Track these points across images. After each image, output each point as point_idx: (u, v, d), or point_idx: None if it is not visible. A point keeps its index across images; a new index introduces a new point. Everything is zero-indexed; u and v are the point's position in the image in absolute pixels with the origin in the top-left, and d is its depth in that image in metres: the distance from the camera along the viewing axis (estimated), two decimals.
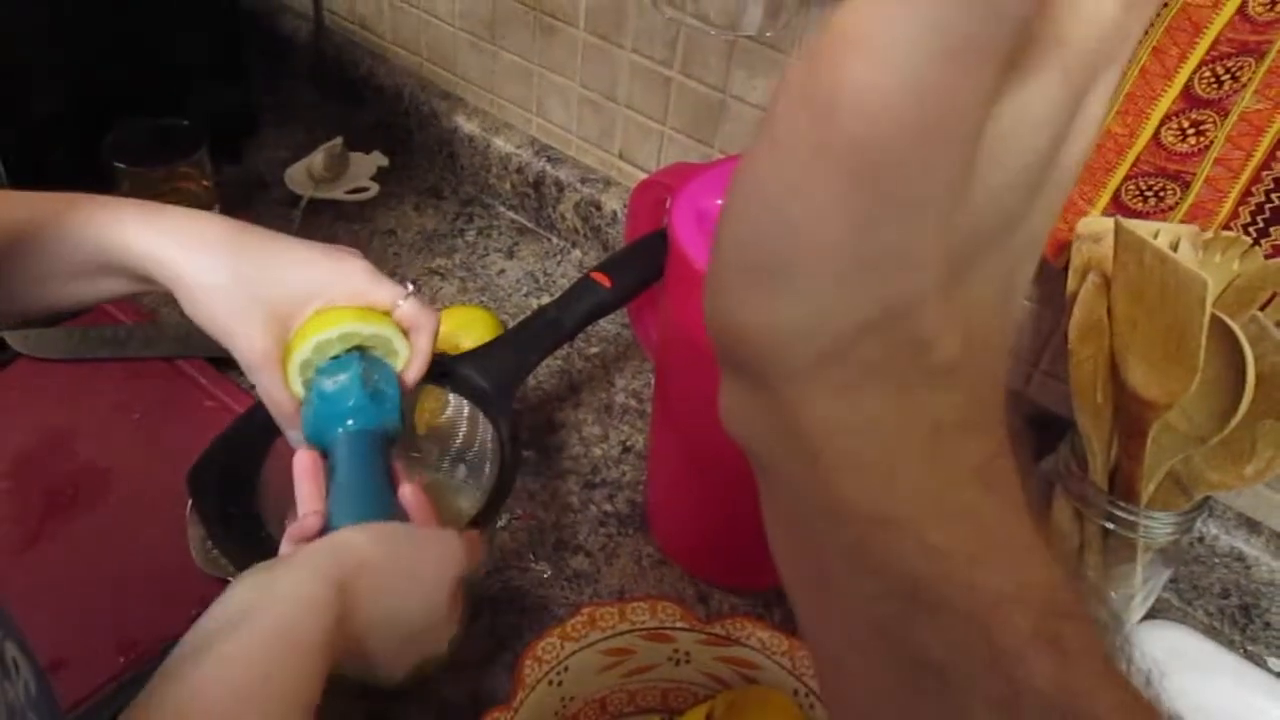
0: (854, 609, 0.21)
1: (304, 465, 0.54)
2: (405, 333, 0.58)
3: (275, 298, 0.55)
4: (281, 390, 0.55)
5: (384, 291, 0.58)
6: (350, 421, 0.54)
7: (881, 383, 0.19)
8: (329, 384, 0.55)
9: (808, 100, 0.17)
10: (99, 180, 0.88)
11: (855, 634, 0.22)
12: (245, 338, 0.55)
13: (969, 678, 0.20)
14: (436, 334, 0.59)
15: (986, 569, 0.20)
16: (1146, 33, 0.56)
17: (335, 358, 0.56)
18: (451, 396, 0.61)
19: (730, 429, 0.22)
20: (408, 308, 0.58)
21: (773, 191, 0.18)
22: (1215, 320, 0.50)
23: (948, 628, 0.20)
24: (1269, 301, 0.57)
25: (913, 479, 0.20)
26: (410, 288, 0.59)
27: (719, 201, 0.59)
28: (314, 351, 0.55)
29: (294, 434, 0.56)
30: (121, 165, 0.87)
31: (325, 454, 0.55)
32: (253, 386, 0.57)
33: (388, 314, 0.58)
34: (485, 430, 0.60)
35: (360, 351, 0.57)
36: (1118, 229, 0.53)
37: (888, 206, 0.17)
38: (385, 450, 0.55)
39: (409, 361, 0.59)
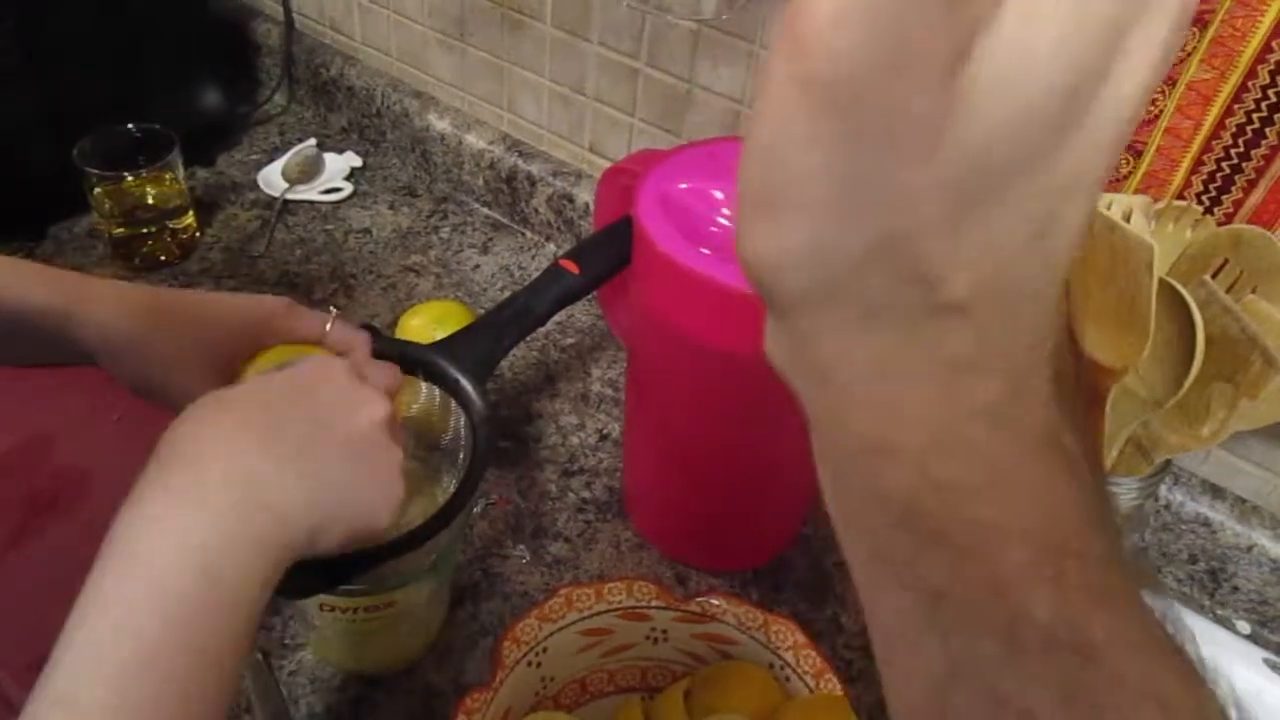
0: (868, 539, 0.22)
1: None
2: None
3: (204, 347, 0.55)
4: None
5: (308, 322, 0.58)
6: None
7: (888, 319, 0.20)
8: None
9: (787, 36, 0.18)
10: (71, 186, 0.88)
11: (872, 563, 0.23)
12: (182, 394, 0.51)
13: (972, 607, 0.20)
14: (369, 348, 0.59)
15: (987, 503, 0.20)
16: None
17: None
18: (424, 386, 0.62)
19: (771, 363, 0.23)
20: (335, 332, 0.58)
21: (765, 126, 0.19)
22: (1165, 286, 0.51)
23: (950, 558, 0.20)
24: (1221, 268, 0.58)
25: (918, 413, 0.21)
26: (334, 311, 0.59)
27: (683, 186, 0.60)
28: None
29: None
30: (94, 171, 0.87)
31: None
32: None
33: (317, 345, 0.58)
34: (459, 417, 0.61)
35: None
36: None
37: (864, 136, 0.18)
38: None
39: None
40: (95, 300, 0.53)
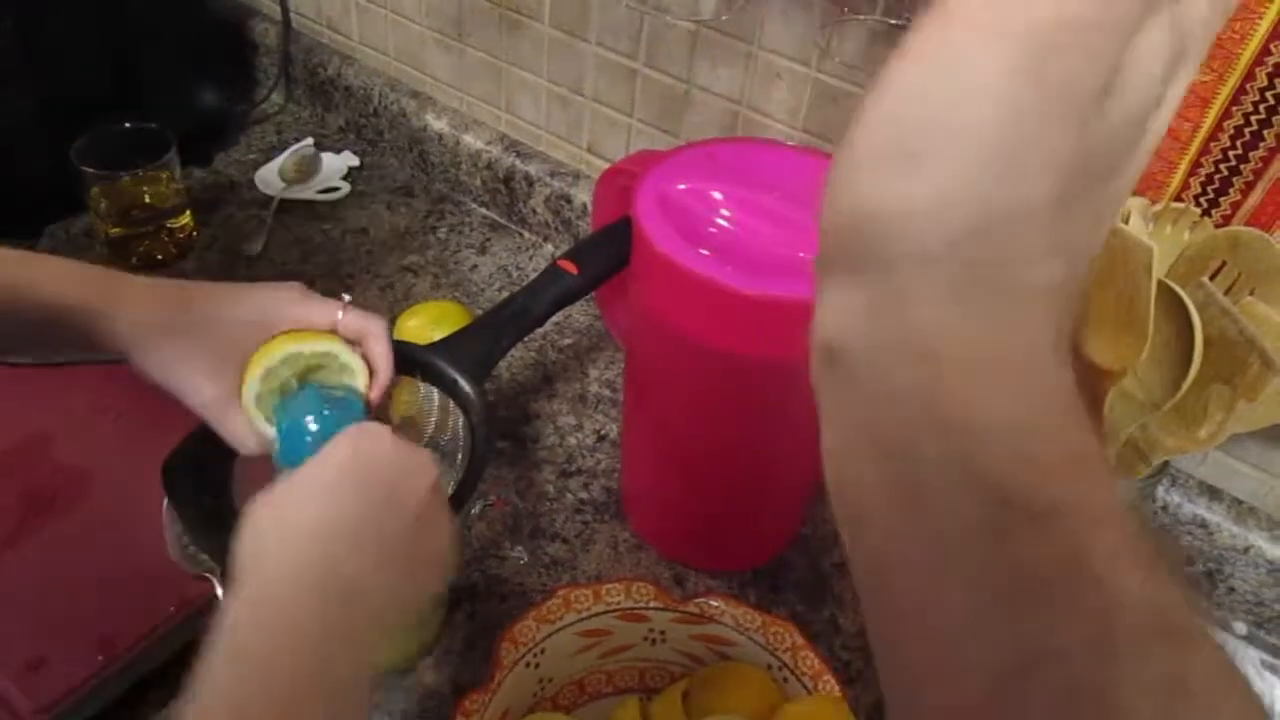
0: (949, 524, 0.21)
1: None
2: (352, 346, 0.58)
3: (215, 340, 0.55)
4: (242, 431, 0.55)
5: (319, 310, 0.58)
6: (314, 435, 0.53)
7: (990, 290, 0.20)
8: (285, 425, 0.54)
9: None
10: (68, 185, 0.88)
11: (946, 552, 0.21)
12: (194, 390, 0.54)
13: (1067, 591, 0.20)
14: (388, 337, 0.59)
15: (1082, 485, 0.20)
16: None
17: (287, 396, 0.56)
18: (422, 386, 0.62)
19: (830, 335, 0.22)
20: (349, 320, 0.58)
21: (938, 72, 0.19)
22: (1164, 288, 0.52)
23: (1048, 541, 0.20)
24: (1219, 270, 0.58)
25: (1019, 392, 0.21)
26: (347, 299, 0.59)
27: (681, 186, 0.60)
28: (263, 383, 0.55)
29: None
30: (91, 170, 0.87)
31: None
32: None
33: (331, 331, 0.58)
34: (457, 418, 0.61)
35: (313, 382, 0.57)
36: None
37: (1041, 95, 0.19)
38: None
39: (372, 373, 0.58)
40: (127, 297, 0.54)
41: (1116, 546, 0.20)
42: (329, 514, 0.45)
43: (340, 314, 0.58)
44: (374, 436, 0.50)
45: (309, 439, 0.53)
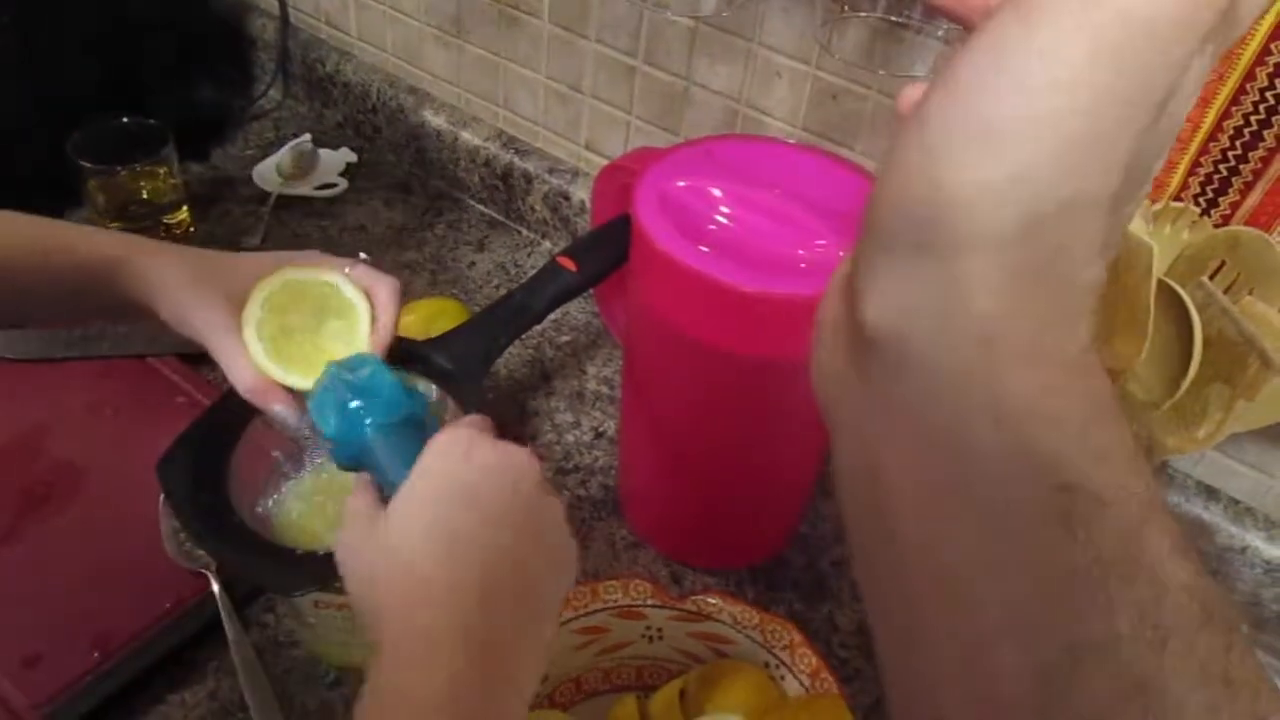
0: (1005, 515, 0.21)
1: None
2: (358, 287, 0.59)
3: (234, 289, 0.57)
4: (236, 350, 0.56)
5: (329, 262, 0.60)
6: (372, 419, 0.49)
7: (1050, 281, 0.20)
8: (329, 422, 0.51)
9: None
10: (66, 179, 0.88)
11: (997, 543, 0.21)
12: (206, 324, 0.56)
13: (1121, 579, 0.20)
14: (397, 294, 0.59)
15: (1132, 476, 0.20)
16: None
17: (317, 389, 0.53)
18: (421, 382, 0.62)
19: (880, 320, 0.22)
20: (357, 273, 0.60)
21: (1019, 55, 0.19)
22: (1164, 287, 0.52)
23: (1107, 529, 0.20)
24: (1218, 270, 0.58)
25: (1074, 385, 0.21)
26: (364, 256, 0.60)
27: (681, 183, 0.60)
28: (262, 307, 0.56)
29: (277, 409, 0.56)
30: (88, 164, 0.87)
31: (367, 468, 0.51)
32: (225, 380, 0.57)
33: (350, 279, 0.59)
34: (455, 414, 0.61)
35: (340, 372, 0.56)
36: None
37: (1119, 92, 0.19)
38: (414, 437, 0.49)
39: (375, 312, 0.59)
40: (154, 252, 0.59)
41: (1164, 536, 0.20)
42: (453, 565, 0.43)
43: (348, 270, 0.60)
44: (461, 441, 0.46)
45: (366, 427, 0.49)
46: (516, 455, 0.47)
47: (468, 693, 0.40)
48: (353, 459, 0.50)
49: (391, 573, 0.43)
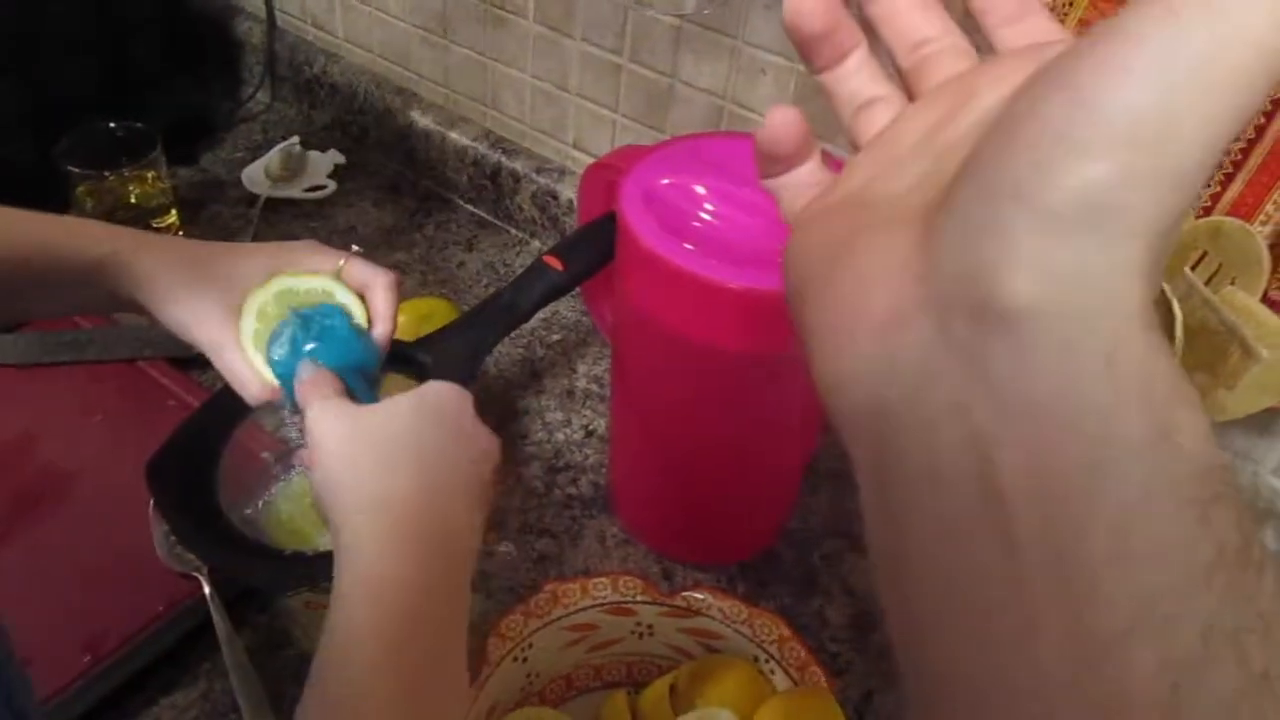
0: (1138, 502, 0.20)
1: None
2: (353, 290, 0.60)
3: (227, 294, 0.58)
4: (242, 367, 0.56)
5: (323, 258, 0.60)
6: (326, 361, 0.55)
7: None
8: (276, 352, 0.56)
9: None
10: (53, 184, 0.88)
11: (1129, 536, 0.20)
12: (203, 336, 0.57)
13: (1243, 567, 0.19)
14: (394, 289, 0.60)
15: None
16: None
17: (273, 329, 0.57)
18: (407, 382, 0.62)
19: (1026, 290, 0.20)
20: (352, 268, 0.60)
21: (1133, 73, 0.19)
22: None
23: (1241, 516, 0.20)
24: (1200, 260, 0.58)
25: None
26: (356, 249, 0.60)
27: (665, 181, 0.60)
28: (258, 319, 0.57)
29: (270, 409, 0.58)
30: (75, 170, 0.87)
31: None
32: (215, 382, 0.57)
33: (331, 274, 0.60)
34: None
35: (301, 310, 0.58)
36: None
37: (1242, 108, 0.18)
38: (366, 389, 0.56)
39: (372, 318, 0.60)
40: (147, 248, 0.58)
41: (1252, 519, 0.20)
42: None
43: (342, 262, 0.60)
44: (448, 399, 0.55)
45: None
46: (447, 389, 0.55)
47: (425, 577, 0.47)
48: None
49: (369, 470, 0.50)
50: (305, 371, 0.55)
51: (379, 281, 0.60)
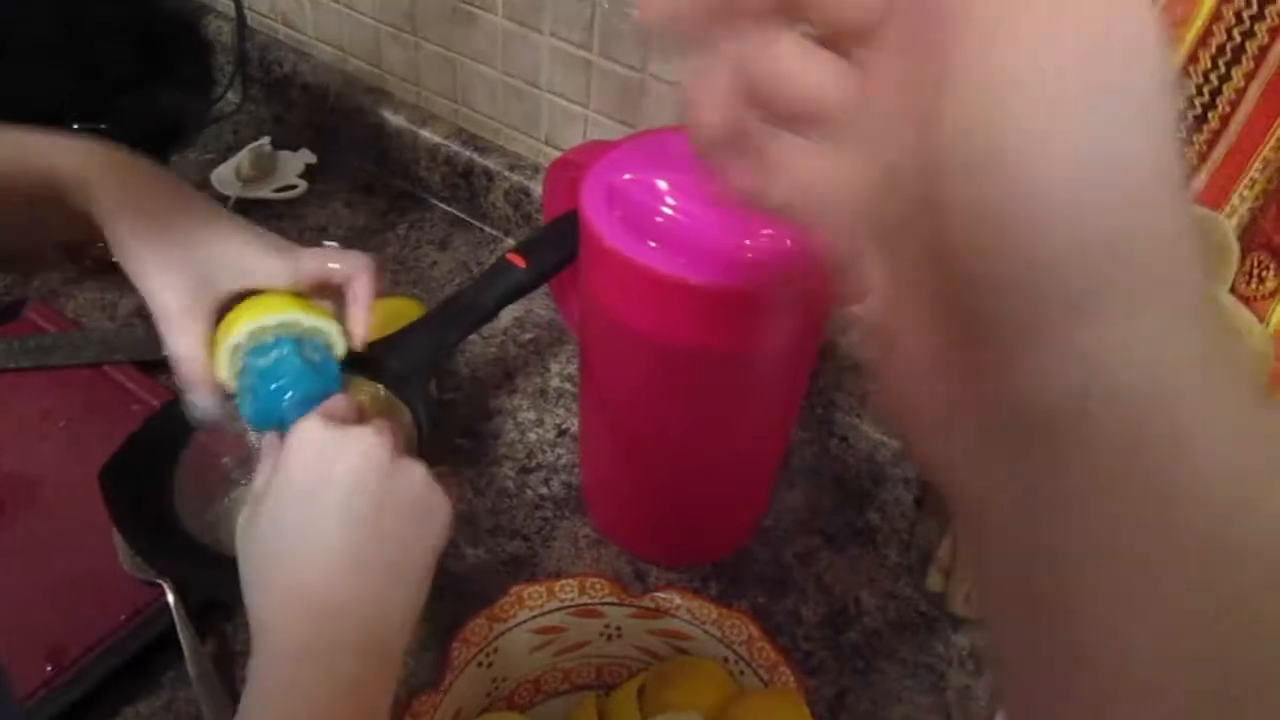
0: (1218, 561, 0.19)
1: (271, 443, 0.54)
2: (325, 306, 0.60)
3: (190, 264, 0.56)
4: (194, 347, 0.55)
5: (308, 260, 0.59)
6: (291, 394, 0.54)
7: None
8: (264, 361, 0.55)
9: None
10: None
11: (1204, 594, 0.19)
12: (158, 297, 0.55)
13: None
14: (373, 283, 0.60)
15: None
16: None
17: (261, 347, 0.56)
18: (369, 384, 0.61)
19: (1059, 387, 0.19)
20: (337, 263, 0.60)
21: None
22: None
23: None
24: None
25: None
26: (331, 245, 0.59)
27: (627, 177, 0.59)
28: (248, 337, 0.55)
29: (200, 396, 0.56)
30: None
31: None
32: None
33: (326, 312, 0.59)
34: (405, 415, 0.60)
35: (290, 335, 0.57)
36: None
37: None
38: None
39: (350, 320, 0.60)
40: (120, 178, 0.56)
41: None
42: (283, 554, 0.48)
43: (333, 264, 0.59)
44: (300, 446, 0.49)
45: (281, 395, 0.54)
46: (360, 435, 0.49)
47: (344, 661, 0.44)
48: (264, 424, 0.55)
49: (267, 568, 0.48)
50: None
51: (360, 273, 0.60)
